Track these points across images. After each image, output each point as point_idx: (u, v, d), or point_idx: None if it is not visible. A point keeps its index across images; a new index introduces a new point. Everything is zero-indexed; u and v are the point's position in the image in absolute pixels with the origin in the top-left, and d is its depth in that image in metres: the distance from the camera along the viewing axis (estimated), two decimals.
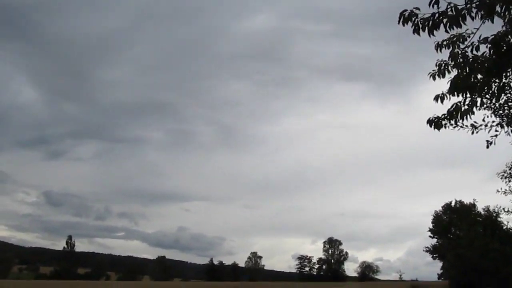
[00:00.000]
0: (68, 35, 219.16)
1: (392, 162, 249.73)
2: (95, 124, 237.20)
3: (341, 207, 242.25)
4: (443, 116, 6.08)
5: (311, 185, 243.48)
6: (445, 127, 6.15)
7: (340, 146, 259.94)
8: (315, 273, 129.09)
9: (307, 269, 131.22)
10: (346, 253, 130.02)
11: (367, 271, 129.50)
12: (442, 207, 58.72)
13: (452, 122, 6.05)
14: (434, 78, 5.93)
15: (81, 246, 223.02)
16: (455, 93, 5.65)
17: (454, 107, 5.90)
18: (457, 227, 51.11)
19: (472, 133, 6.12)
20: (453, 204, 57.43)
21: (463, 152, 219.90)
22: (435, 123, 6.07)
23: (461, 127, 5.94)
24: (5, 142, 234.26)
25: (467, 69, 5.41)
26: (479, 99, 5.88)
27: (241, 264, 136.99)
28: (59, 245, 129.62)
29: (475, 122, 6.08)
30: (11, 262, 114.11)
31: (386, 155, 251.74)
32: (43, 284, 58.19)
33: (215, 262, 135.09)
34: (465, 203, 55.30)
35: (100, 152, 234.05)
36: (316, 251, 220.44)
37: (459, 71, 5.56)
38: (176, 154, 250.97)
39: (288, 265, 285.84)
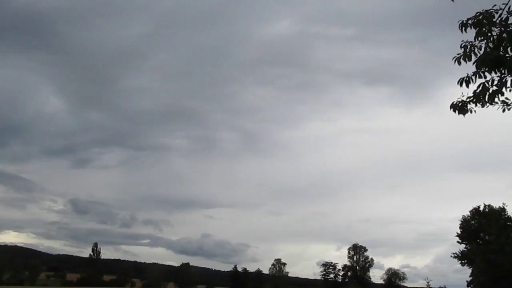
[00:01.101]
0: (93, 44, 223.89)
1: (419, 166, 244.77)
2: (120, 132, 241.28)
3: (367, 213, 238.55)
4: (468, 100, 5.57)
5: (336, 190, 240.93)
6: (471, 112, 5.64)
7: (365, 151, 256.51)
8: (340, 280, 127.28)
9: (331, 276, 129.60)
10: (372, 259, 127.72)
11: (394, 278, 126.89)
12: (470, 211, 56.99)
13: (479, 105, 5.51)
14: (459, 63, 5.49)
15: (106, 253, 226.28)
16: (483, 73, 5.14)
17: (481, 88, 5.38)
18: (487, 232, 49.38)
19: (504, 111, 5.53)
20: (481, 208, 55.70)
21: (491, 156, 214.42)
22: (460, 107, 5.58)
23: (491, 104, 5.28)
24: (33, 151, 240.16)
25: (496, 42, 4.92)
26: (509, 79, 5.31)
27: (265, 271, 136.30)
28: (86, 252, 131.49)
29: (506, 98, 5.46)
30: (38, 269, 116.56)
31: (412, 160, 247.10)
32: None
33: (239, 269, 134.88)
34: (494, 207, 53.57)
35: (125, 160, 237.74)
36: (341, 257, 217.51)
37: (488, 44, 5.08)
38: (200, 161, 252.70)
39: (313, 272, 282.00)
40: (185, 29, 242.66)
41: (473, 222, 55.84)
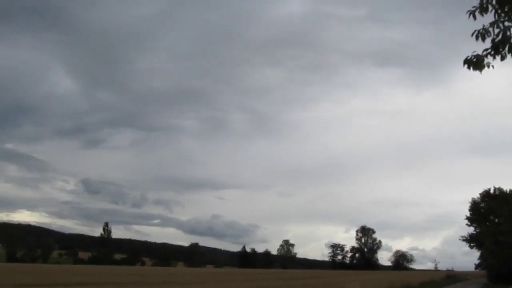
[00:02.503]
0: (103, 24, 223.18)
1: (429, 149, 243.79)
2: (131, 113, 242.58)
3: (376, 194, 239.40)
4: (485, 53, 4.98)
5: (346, 172, 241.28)
6: (488, 67, 5.01)
7: (375, 133, 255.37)
8: (348, 262, 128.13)
9: (339, 257, 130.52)
10: (380, 241, 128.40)
11: (401, 260, 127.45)
12: (480, 194, 56.44)
13: (498, 58, 4.93)
14: (474, 17, 4.96)
15: (118, 232, 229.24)
16: (502, 22, 4.69)
17: (501, 36, 4.78)
18: (496, 215, 48.93)
19: None
20: (492, 191, 55.14)
21: (502, 139, 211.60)
22: (475, 63, 5.02)
23: None
24: (45, 131, 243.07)
25: None
26: None
27: (274, 251, 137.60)
28: (97, 231, 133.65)
29: None
30: (51, 247, 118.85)
31: (422, 142, 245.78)
32: (81, 268, 60.08)
33: (248, 250, 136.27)
34: (504, 190, 52.99)
35: (136, 140, 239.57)
36: (349, 239, 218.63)
37: None
38: (210, 141, 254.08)
39: (321, 253, 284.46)
40: (195, 9, 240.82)
41: (483, 205, 55.37)
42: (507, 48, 4.69)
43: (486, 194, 55.62)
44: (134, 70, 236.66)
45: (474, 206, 56.40)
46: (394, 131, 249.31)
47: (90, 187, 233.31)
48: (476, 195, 57.00)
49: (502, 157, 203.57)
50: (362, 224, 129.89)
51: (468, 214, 57.23)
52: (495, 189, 54.83)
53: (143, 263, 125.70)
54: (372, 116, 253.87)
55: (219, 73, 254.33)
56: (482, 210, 55.00)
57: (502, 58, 4.80)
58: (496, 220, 49.51)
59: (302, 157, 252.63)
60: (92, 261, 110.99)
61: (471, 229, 58.17)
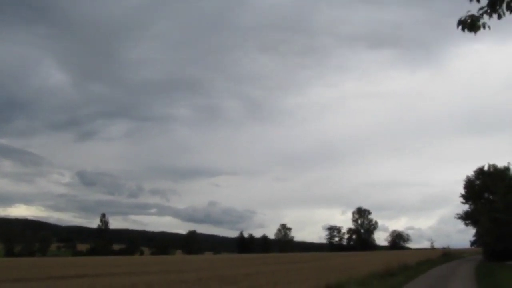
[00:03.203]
0: (93, 16, 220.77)
1: (423, 129, 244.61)
2: (124, 103, 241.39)
3: (372, 177, 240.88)
4: (481, 12, 4.64)
5: (341, 155, 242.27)
6: (484, 27, 4.71)
7: (370, 115, 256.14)
8: (345, 243, 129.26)
9: (336, 239, 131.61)
10: (376, 222, 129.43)
11: (398, 240, 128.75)
12: (475, 171, 56.57)
13: (495, 17, 4.60)
14: None
15: (115, 223, 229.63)
16: None
17: None
18: (491, 192, 49.08)
19: None
20: (486, 168, 55.26)
21: (496, 117, 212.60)
22: (469, 24, 4.71)
23: (511, 12, 4.39)
24: (38, 125, 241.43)
25: None
26: None
27: (271, 236, 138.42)
28: (95, 223, 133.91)
29: None
30: (49, 240, 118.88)
31: (416, 123, 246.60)
32: (80, 260, 60.01)
33: (245, 235, 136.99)
34: (498, 167, 53.06)
35: (130, 131, 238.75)
36: (346, 221, 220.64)
37: None
38: (204, 129, 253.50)
39: (318, 236, 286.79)
40: None
41: (478, 182, 55.53)
42: (504, 5, 4.38)
43: (480, 172, 55.78)
44: (126, 61, 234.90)
45: (469, 184, 56.57)
46: (388, 112, 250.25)
47: (86, 179, 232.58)
48: (471, 173, 57.19)
49: (496, 135, 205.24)
50: (358, 206, 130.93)
51: (463, 192, 57.51)
52: (489, 166, 54.95)
53: (141, 253, 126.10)
54: (366, 99, 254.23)
55: (211, 60, 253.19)
56: (477, 187, 55.19)
57: (499, 17, 4.48)
58: (491, 197, 49.71)
59: (297, 141, 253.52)
60: (91, 252, 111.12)
61: (466, 207, 58.58)
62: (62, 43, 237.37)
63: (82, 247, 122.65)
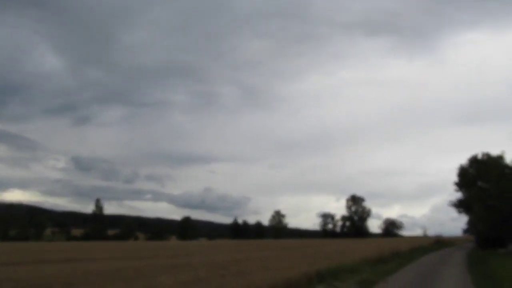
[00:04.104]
0: (88, 0, 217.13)
1: (419, 118, 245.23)
2: (120, 89, 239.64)
3: (366, 164, 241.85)
4: None
5: (336, 143, 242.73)
6: None
7: (366, 103, 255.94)
8: (338, 230, 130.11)
9: (330, 226, 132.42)
10: (370, 210, 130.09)
11: (391, 227, 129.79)
12: (468, 159, 56.68)
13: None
14: None
15: (110, 208, 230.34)
16: None
17: None
18: (485, 180, 49.19)
19: None
20: (479, 157, 55.34)
21: (492, 107, 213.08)
22: None
23: None
24: (33, 110, 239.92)
25: None
26: None
27: (266, 223, 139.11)
28: (90, 208, 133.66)
29: None
30: (44, 225, 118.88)
31: (412, 111, 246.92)
32: (74, 245, 60.03)
33: (240, 222, 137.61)
34: (492, 155, 53.12)
35: (126, 116, 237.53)
36: (340, 208, 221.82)
37: None
38: (200, 116, 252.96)
39: (313, 223, 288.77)
40: None
41: (471, 170, 55.65)
42: None
43: (474, 160, 55.88)
44: (122, 46, 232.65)
45: (462, 172, 56.72)
46: (384, 101, 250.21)
47: (81, 165, 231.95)
48: (465, 162, 57.28)
49: (493, 124, 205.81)
50: (353, 193, 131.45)
51: (456, 180, 57.69)
52: (483, 154, 55.03)
53: (136, 238, 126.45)
54: (362, 87, 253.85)
55: (207, 46, 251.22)
56: (470, 175, 55.32)
57: None
58: (484, 185, 49.81)
59: (293, 129, 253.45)
60: (85, 237, 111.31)
61: (459, 195, 58.83)
62: (57, 28, 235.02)
63: (76, 232, 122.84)
